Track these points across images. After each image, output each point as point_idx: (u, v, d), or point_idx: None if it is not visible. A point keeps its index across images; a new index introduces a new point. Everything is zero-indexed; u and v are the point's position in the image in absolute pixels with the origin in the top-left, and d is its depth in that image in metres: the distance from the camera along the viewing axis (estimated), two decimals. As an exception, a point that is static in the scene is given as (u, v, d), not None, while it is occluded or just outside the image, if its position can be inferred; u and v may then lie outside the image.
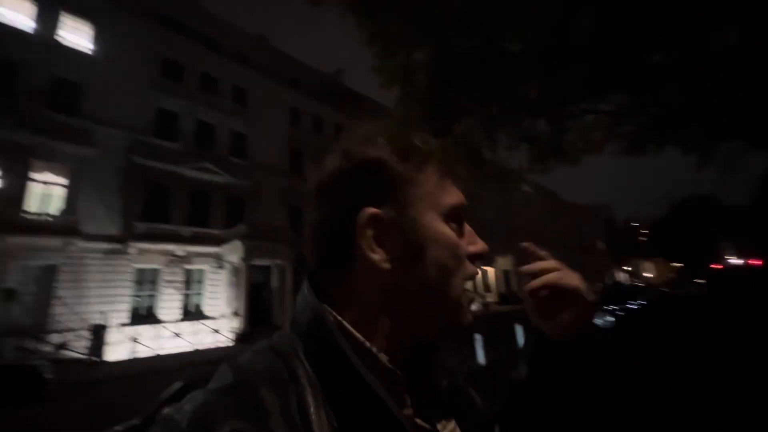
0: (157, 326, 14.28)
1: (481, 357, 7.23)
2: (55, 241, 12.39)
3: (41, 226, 12.18)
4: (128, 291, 14.09)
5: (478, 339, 7.56)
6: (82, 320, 12.57)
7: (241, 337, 14.50)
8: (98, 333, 12.42)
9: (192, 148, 16.95)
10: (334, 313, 0.40)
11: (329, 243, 0.42)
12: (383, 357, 0.39)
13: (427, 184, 0.42)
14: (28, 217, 12.09)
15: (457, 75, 5.73)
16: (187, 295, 15.72)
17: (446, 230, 0.42)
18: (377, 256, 0.39)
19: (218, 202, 17.46)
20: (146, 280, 14.74)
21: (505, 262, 32.37)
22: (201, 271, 16.31)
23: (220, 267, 16.73)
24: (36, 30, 13.72)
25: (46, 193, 13.05)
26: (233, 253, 16.00)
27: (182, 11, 18.94)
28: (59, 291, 12.52)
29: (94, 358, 11.98)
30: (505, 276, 33.38)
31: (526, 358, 0.54)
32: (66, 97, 13.81)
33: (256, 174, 19.02)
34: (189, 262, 15.83)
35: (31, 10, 13.77)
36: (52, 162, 13.13)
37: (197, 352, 13.74)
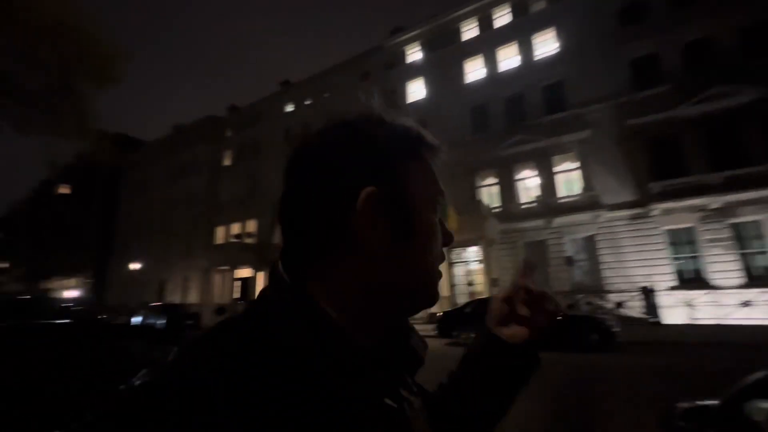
0: (713, 292, 12.35)
1: None
2: (585, 216, 14.68)
3: (573, 206, 15.01)
4: (665, 253, 13.50)
5: None
6: (629, 282, 13.55)
7: None
8: (648, 295, 12.77)
9: (682, 83, 13.91)
10: (312, 295, 0.37)
11: (318, 219, 0.39)
12: (360, 339, 0.37)
13: (423, 172, 0.43)
14: (563, 201, 15.37)
15: None
16: (744, 255, 12.41)
17: (433, 216, 0.43)
18: (375, 236, 0.38)
19: (753, 128, 12.73)
20: (682, 241, 13.43)
21: None
22: (756, 224, 12.35)
23: (790, 213, 11.78)
24: (522, 60, 17.93)
25: (567, 179, 15.97)
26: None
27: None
28: (602, 257, 14.44)
29: (651, 319, 12.39)
30: None
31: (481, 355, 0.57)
32: (553, 100, 16.65)
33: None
34: (732, 215, 12.58)
35: (558, 44, 18.27)
36: (564, 153, 15.95)
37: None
